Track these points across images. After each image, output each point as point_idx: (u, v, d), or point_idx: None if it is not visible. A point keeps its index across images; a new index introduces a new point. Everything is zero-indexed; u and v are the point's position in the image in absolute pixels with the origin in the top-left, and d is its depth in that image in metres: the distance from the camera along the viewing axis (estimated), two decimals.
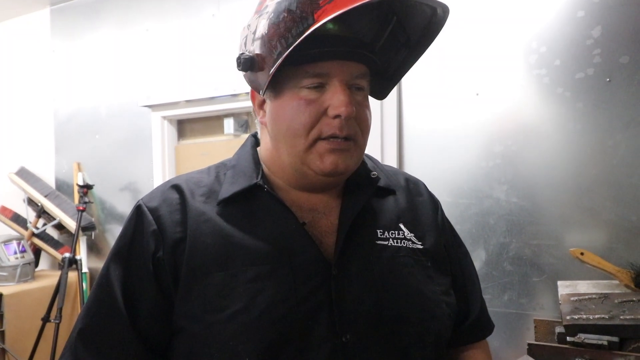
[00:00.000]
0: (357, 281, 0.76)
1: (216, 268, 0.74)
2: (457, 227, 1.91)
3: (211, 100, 2.43)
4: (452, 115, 1.93)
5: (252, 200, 0.79)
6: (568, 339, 1.36)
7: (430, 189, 1.00)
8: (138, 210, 0.81)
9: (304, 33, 0.68)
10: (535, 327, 1.53)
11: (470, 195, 1.91)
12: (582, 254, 1.46)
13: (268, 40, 0.72)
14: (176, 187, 0.82)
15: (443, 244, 0.90)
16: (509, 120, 1.84)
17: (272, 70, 0.71)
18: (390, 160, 1.99)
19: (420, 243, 0.84)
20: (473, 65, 1.89)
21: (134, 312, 0.76)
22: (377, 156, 1.96)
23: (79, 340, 0.77)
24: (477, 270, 1.89)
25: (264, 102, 0.81)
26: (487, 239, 1.89)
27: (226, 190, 0.80)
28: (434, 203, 0.95)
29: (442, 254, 0.88)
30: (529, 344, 1.41)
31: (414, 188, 0.94)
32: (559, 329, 1.42)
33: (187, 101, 2.48)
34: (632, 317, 1.32)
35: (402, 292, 0.79)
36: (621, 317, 1.33)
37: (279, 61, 0.70)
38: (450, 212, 1.92)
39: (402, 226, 0.84)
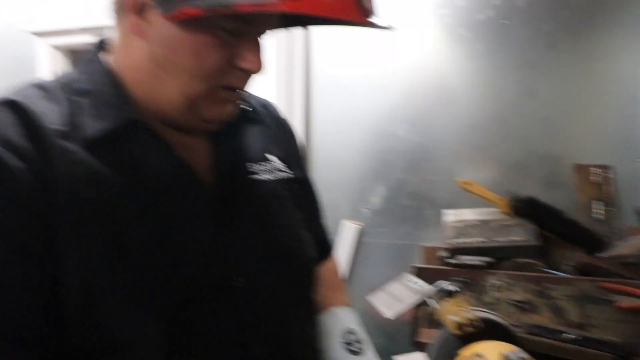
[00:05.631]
0: (244, 221, 0.73)
1: (99, 221, 0.62)
2: (361, 165, 1.98)
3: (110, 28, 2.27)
4: (358, 54, 1.94)
5: (126, 137, 0.66)
6: (449, 261, 1.45)
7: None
8: None
9: None
10: (422, 253, 1.62)
11: (373, 134, 1.95)
12: (468, 184, 1.55)
13: None
14: (21, 114, 0.63)
15: (304, 168, 0.90)
16: (413, 58, 1.88)
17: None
18: (298, 102, 1.98)
19: (291, 172, 0.82)
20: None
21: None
22: (284, 100, 1.95)
23: None
24: (378, 205, 1.97)
25: (147, 7, 0.64)
26: (387, 175, 1.95)
27: (93, 127, 0.65)
28: (291, 127, 0.92)
29: (307, 179, 0.88)
30: (414, 267, 1.49)
31: (273, 113, 0.89)
32: (442, 253, 1.51)
33: (82, 29, 2.24)
34: (506, 239, 1.43)
35: (286, 226, 0.77)
36: (497, 240, 1.44)
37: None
38: (355, 150, 1.97)
39: (273, 157, 0.81)
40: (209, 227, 0.69)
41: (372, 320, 1.83)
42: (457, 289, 1.02)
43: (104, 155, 0.64)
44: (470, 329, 1.10)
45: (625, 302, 1.24)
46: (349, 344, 0.83)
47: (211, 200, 0.70)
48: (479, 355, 0.95)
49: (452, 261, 1.44)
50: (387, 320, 1.87)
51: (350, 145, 1.93)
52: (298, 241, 0.79)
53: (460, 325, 1.09)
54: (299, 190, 0.84)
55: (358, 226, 1.94)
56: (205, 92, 0.66)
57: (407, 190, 1.92)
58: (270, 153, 0.81)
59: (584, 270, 1.35)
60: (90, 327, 0.61)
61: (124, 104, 0.67)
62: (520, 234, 1.43)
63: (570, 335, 1.27)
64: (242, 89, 0.69)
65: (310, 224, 0.85)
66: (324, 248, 0.97)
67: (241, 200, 0.73)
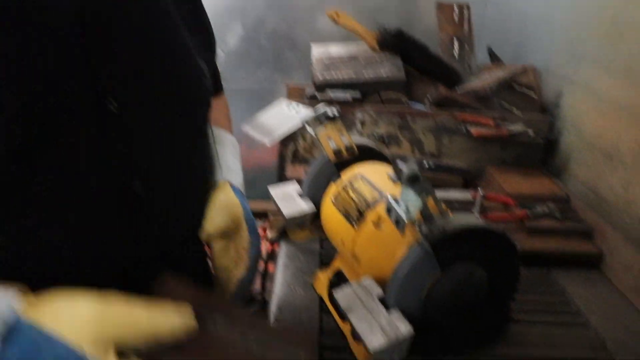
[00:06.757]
0: (117, 33, 0.56)
1: None
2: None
3: None
4: None
5: None
6: (318, 97, 1.40)
7: None
8: None
9: None
10: (287, 92, 1.55)
11: None
12: (337, 15, 1.47)
13: None
14: None
15: None
16: None
17: None
18: None
19: None
20: None
21: None
22: None
23: None
24: (233, 47, 1.81)
25: None
26: (244, 12, 1.78)
27: None
28: None
29: None
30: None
31: None
32: (310, 90, 1.45)
33: None
34: (374, 74, 1.42)
35: (181, 52, 0.63)
36: (364, 74, 1.42)
37: None
38: None
39: None
40: (76, 35, 0.52)
41: None
42: (337, 114, 0.97)
43: None
44: (346, 155, 1.08)
45: (476, 130, 1.34)
46: None
47: (79, 4, 0.52)
48: (361, 176, 0.94)
49: (320, 97, 1.40)
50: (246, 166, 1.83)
51: None
52: (194, 68, 0.66)
53: (337, 151, 1.07)
54: (188, 11, 0.68)
55: None
56: None
57: (267, 30, 1.78)
58: None
59: (442, 104, 1.41)
60: None
61: None
62: (387, 69, 1.43)
63: (427, 164, 1.37)
64: None
65: (205, 54, 0.71)
66: (216, 82, 0.84)
67: (120, 11, 0.56)
